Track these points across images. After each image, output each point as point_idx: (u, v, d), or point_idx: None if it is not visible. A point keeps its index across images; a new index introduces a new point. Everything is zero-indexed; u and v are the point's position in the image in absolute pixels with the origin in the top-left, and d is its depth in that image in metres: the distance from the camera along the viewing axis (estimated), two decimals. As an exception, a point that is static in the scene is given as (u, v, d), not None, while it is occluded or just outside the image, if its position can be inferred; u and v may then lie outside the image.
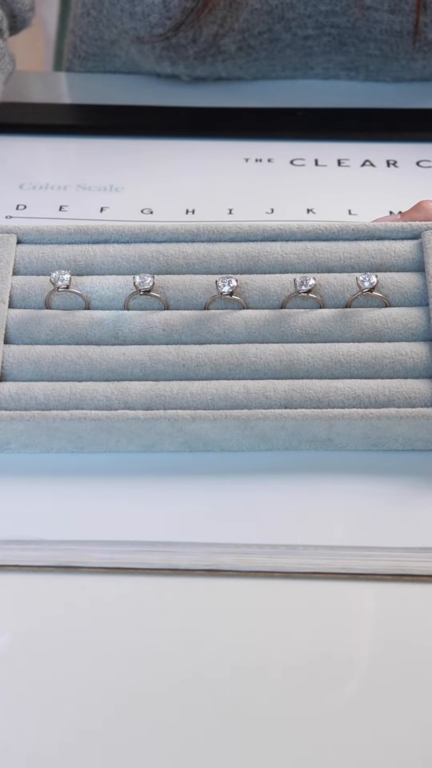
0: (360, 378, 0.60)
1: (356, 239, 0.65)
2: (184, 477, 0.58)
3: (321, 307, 0.63)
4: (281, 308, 0.63)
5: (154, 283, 0.62)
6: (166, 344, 0.62)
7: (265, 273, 0.64)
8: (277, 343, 0.61)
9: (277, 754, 0.48)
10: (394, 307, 0.63)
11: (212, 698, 0.50)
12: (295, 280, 0.62)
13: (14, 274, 0.64)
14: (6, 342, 0.62)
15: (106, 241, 0.65)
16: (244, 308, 0.63)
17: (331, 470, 0.59)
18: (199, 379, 0.60)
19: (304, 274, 0.63)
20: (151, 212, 0.78)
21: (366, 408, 0.59)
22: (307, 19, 0.88)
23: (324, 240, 0.65)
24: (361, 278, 0.62)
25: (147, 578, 0.55)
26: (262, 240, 0.65)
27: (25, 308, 0.63)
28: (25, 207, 0.79)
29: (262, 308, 0.63)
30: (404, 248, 0.64)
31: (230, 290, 0.62)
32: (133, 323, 0.62)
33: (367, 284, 0.62)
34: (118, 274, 0.64)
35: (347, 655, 0.52)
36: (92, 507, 0.57)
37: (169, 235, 0.65)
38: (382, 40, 0.88)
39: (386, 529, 0.56)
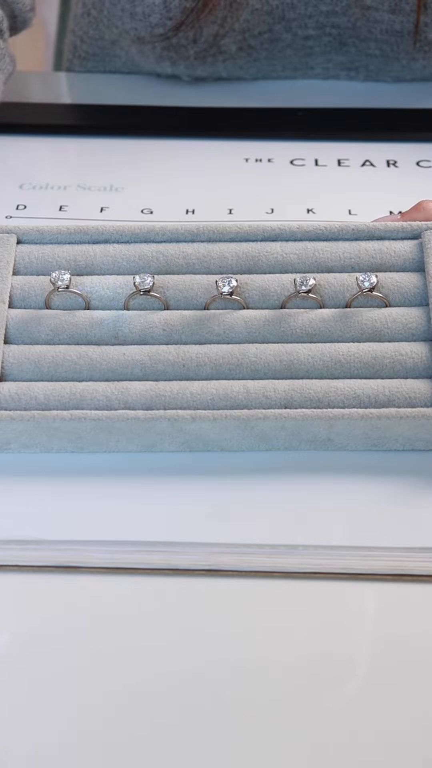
0: (360, 378, 0.60)
1: (356, 239, 0.65)
2: (184, 477, 0.58)
3: (321, 307, 0.63)
4: (281, 308, 0.63)
5: (154, 283, 0.62)
6: (166, 344, 0.62)
7: (265, 273, 0.64)
8: (277, 343, 0.61)
9: (277, 754, 0.48)
10: (394, 307, 0.63)
11: (212, 698, 0.50)
12: (295, 280, 0.62)
13: (14, 274, 0.64)
14: (6, 342, 0.62)
15: (106, 241, 0.65)
16: (244, 308, 0.63)
17: (331, 470, 0.59)
18: (199, 379, 0.60)
19: (304, 274, 0.63)
20: (151, 212, 0.78)
21: (366, 408, 0.59)
22: (308, 20, 0.88)
23: (324, 240, 0.65)
24: (361, 278, 0.62)
25: (147, 578, 0.55)
26: (262, 240, 0.65)
27: (25, 308, 0.63)
28: (25, 207, 0.79)
29: (262, 308, 0.63)
30: (404, 248, 0.64)
31: (230, 290, 0.62)
32: (133, 323, 0.62)
33: (367, 284, 0.62)
34: (118, 274, 0.64)
35: (347, 655, 0.52)
36: (92, 507, 0.57)
37: (169, 235, 0.65)
38: (382, 40, 0.88)
39: (386, 529, 0.56)
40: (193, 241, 0.65)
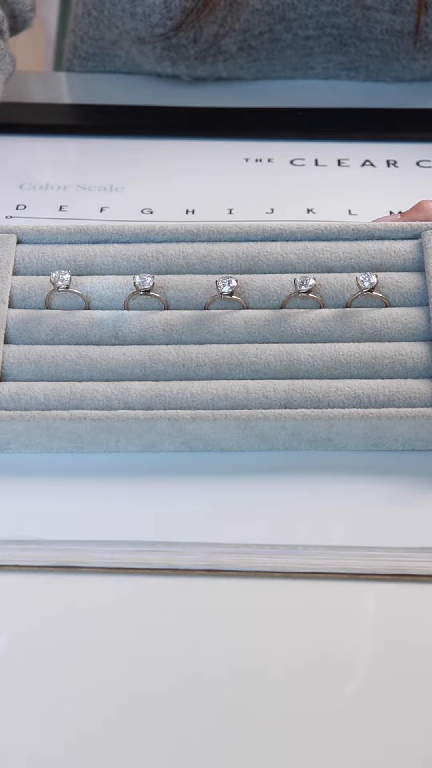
0: (360, 378, 0.60)
1: (356, 239, 0.65)
2: (184, 477, 0.58)
3: (321, 307, 0.63)
4: (281, 308, 0.63)
5: (154, 283, 0.62)
6: (166, 344, 0.62)
7: (265, 273, 0.64)
8: (277, 343, 0.61)
9: (277, 754, 0.48)
10: (394, 307, 0.63)
11: (212, 698, 0.50)
12: (295, 280, 0.62)
13: (14, 274, 0.64)
14: (6, 342, 0.62)
15: (106, 241, 0.65)
16: (244, 308, 0.63)
17: (331, 470, 0.59)
18: (199, 379, 0.60)
19: (304, 274, 0.63)
20: (151, 212, 0.78)
21: (366, 408, 0.59)
22: (308, 20, 0.88)
23: (324, 240, 0.65)
24: (361, 278, 0.62)
25: (147, 578, 0.55)
26: (262, 240, 0.65)
27: (25, 308, 0.63)
28: (25, 207, 0.79)
29: (262, 308, 0.63)
30: (404, 248, 0.64)
31: (230, 290, 0.62)
32: (133, 323, 0.62)
33: (367, 284, 0.62)
34: (118, 274, 0.64)
35: (347, 655, 0.52)
36: (92, 507, 0.57)
37: (169, 235, 0.65)
38: (382, 40, 0.88)
39: (386, 529, 0.56)
40: (193, 241, 0.65)
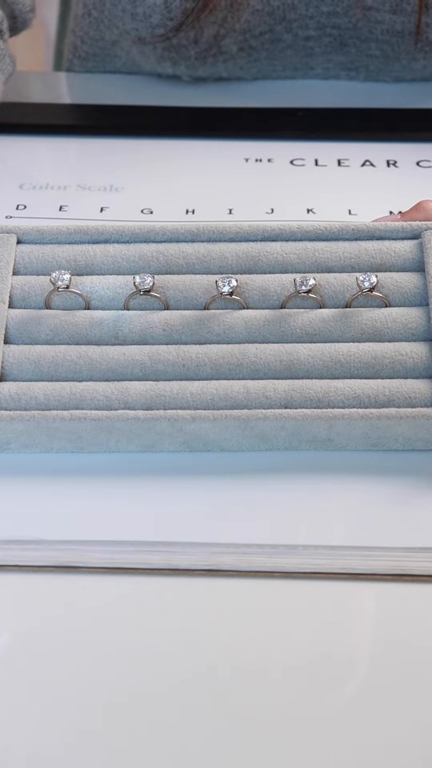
0: (360, 378, 0.60)
1: (356, 239, 0.65)
2: (184, 477, 0.58)
3: (321, 307, 0.63)
4: (281, 308, 0.63)
5: (154, 283, 0.62)
6: (166, 344, 0.62)
7: (265, 273, 0.64)
8: (277, 343, 0.61)
9: (277, 754, 0.48)
10: (394, 307, 0.63)
11: (212, 698, 0.50)
12: (295, 280, 0.62)
13: (14, 274, 0.64)
14: (6, 342, 0.62)
15: (106, 241, 0.65)
16: (244, 308, 0.63)
17: (331, 470, 0.59)
18: (199, 379, 0.60)
19: (304, 274, 0.63)
20: (151, 212, 0.78)
21: (366, 408, 0.59)
22: (309, 20, 0.88)
23: (324, 240, 0.65)
24: (361, 278, 0.62)
25: (147, 578, 0.55)
26: (262, 240, 0.65)
27: (25, 308, 0.63)
28: (25, 207, 0.79)
29: (262, 308, 0.63)
30: (404, 248, 0.64)
31: (230, 290, 0.62)
32: (133, 323, 0.62)
33: (367, 284, 0.62)
34: (118, 274, 0.64)
35: (347, 655, 0.52)
36: (92, 507, 0.57)
37: (169, 235, 0.65)
38: (383, 40, 0.88)
39: (386, 529, 0.56)
40: (193, 241, 0.65)
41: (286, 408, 0.59)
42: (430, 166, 0.82)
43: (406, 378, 0.60)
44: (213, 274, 0.64)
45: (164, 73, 0.92)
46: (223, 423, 0.58)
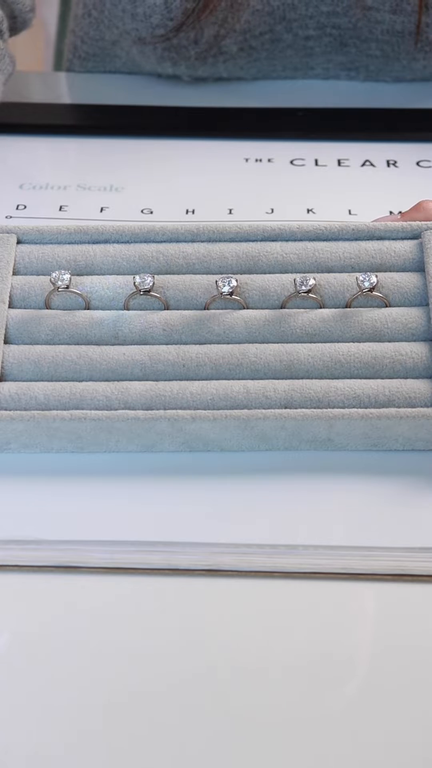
0: (360, 378, 0.60)
1: (356, 239, 0.65)
2: (184, 477, 0.58)
3: (321, 307, 0.63)
4: (281, 308, 0.63)
5: (154, 283, 0.62)
6: (166, 344, 0.62)
7: (265, 273, 0.64)
8: (277, 343, 0.61)
9: (277, 754, 0.48)
10: (394, 307, 0.63)
11: (212, 698, 0.50)
12: (295, 280, 0.62)
13: (14, 274, 0.64)
14: (6, 342, 0.62)
15: (106, 241, 0.65)
16: (244, 308, 0.63)
17: (331, 470, 0.59)
18: (199, 379, 0.60)
19: (304, 274, 0.63)
20: (151, 212, 0.78)
21: (366, 408, 0.59)
22: (309, 20, 0.88)
23: (324, 240, 0.65)
24: (361, 278, 0.62)
25: (147, 578, 0.55)
26: (262, 240, 0.65)
27: (25, 308, 0.63)
28: (25, 207, 0.79)
29: (262, 308, 0.63)
30: (404, 248, 0.64)
31: (230, 290, 0.62)
32: (133, 323, 0.62)
33: (367, 284, 0.62)
34: (118, 274, 0.64)
35: (347, 656, 0.52)
36: (92, 507, 0.57)
37: (169, 235, 0.65)
38: (383, 40, 0.88)
39: (386, 529, 0.56)
40: (193, 241, 0.65)
41: (286, 408, 0.59)
42: (430, 166, 0.82)
43: (406, 378, 0.60)
44: (213, 274, 0.64)
45: (164, 73, 0.92)
46: (223, 423, 0.58)
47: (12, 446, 0.59)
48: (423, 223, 0.65)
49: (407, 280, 0.63)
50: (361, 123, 0.87)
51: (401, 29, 0.87)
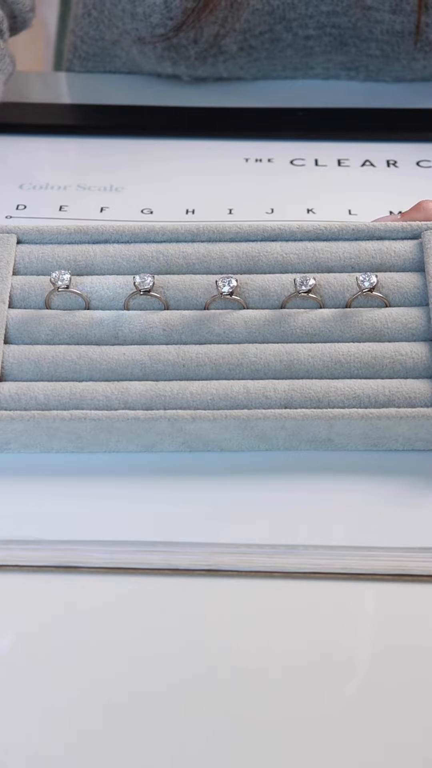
0: (360, 378, 0.60)
1: (356, 239, 0.65)
2: (184, 477, 0.58)
3: (321, 307, 0.63)
4: (281, 308, 0.63)
5: (154, 283, 0.62)
6: (166, 344, 0.62)
7: (265, 273, 0.64)
8: (277, 343, 0.61)
9: (277, 754, 0.48)
10: (394, 307, 0.63)
11: (212, 698, 0.50)
12: (295, 280, 0.62)
13: (14, 274, 0.64)
14: (6, 342, 0.62)
15: (106, 241, 0.65)
16: (244, 308, 0.63)
17: (331, 470, 0.59)
18: (199, 379, 0.60)
19: (304, 274, 0.63)
20: (151, 212, 0.78)
21: (366, 408, 0.59)
22: (309, 20, 0.88)
23: (324, 240, 0.65)
24: (361, 278, 0.62)
25: (147, 578, 0.55)
26: (262, 240, 0.65)
27: (25, 308, 0.63)
28: (25, 207, 0.79)
29: (262, 308, 0.63)
30: (404, 248, 0.64)
31: (230, 290, 0.62)
32: (133, 323, 0.62)
33: (367, 284, 0.62)
34: (118, 274, 0.64)
35: (347, 656, 0.52)
36: (92, 507, 0.57)
37: (169, 235, 0.65)
38: (383, 40, 0.88)
39: (386, 529, 0.56)
40: (193, 241, 0.65)
41: (286, 408, 0.59)
42: (430, 166, 0.82)
43: (406, 378, 0.60)
44: (213, 274, 0.64)
45: (164, 73, 0.92)
46: (223, 423, 0.58)
47: (12, 446, 0.59)
48: (423, 223, 0.65)
49: (407, 280, 0.63)
50: (361, 123, 0.87)
51: (401, 29, 0.87)
